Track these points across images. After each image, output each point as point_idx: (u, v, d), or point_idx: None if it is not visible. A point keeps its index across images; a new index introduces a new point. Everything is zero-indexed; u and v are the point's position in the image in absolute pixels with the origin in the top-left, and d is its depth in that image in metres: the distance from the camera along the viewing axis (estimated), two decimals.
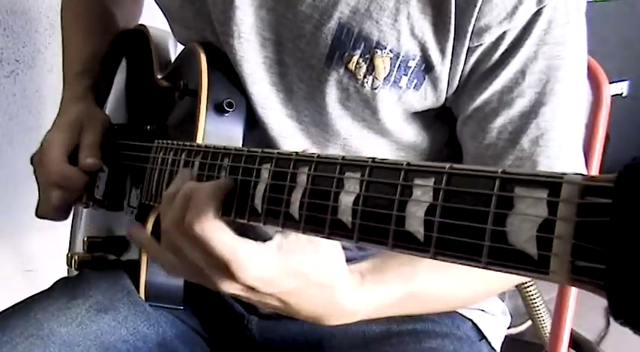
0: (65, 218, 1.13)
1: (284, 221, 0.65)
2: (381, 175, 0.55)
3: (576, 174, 0.41)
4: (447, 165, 0.49)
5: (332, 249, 0.74)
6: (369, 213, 0.55)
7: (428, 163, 0.51)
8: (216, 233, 0.67)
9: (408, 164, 0.53)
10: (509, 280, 1.00)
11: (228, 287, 0.71)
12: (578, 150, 0.95)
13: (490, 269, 0.45)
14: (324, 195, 0.59)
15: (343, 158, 0.59)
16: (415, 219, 0.50)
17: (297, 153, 0.65)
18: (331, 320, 0.80)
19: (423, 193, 0.50)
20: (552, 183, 0.42)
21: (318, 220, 0.60)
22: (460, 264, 0.47)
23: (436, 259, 0.49)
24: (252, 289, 0.71)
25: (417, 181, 0.51)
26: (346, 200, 0.57)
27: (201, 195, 0.69)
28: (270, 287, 0.71)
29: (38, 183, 1.11)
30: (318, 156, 0.62)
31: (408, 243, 0.51)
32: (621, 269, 0.37)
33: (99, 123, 1.11)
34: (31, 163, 1.11)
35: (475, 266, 0.46)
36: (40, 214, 1.12)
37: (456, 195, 0.48)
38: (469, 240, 0.46)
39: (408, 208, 0.51)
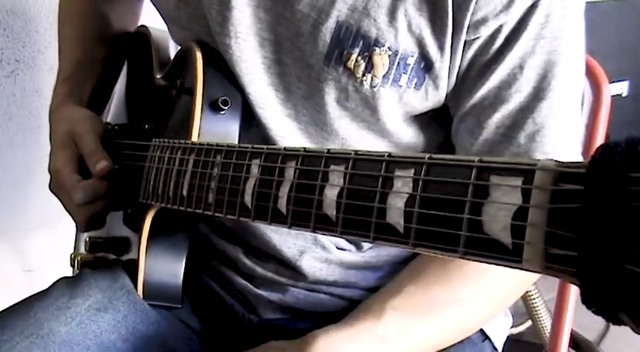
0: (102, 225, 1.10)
1: (272, 217, 0.65)
2: (364, 167, 0.55)
3: (550, 160, 0.40)
4: (427, 156, 0.49)
5: None
6: (352, 206, 0.55)
7: (408, 154, 0.51)
8: None
9: (390, 155, 0.53)
10: (525, 285, 1.00)
11: None
12: (576, 146, 0.94)
13: (467, 258, 0.45)
14: (310, 189, 0.59)
15: (328, 151, 0.59)
16: (395, 211, 0.50)
17: (285, 148, 0.65)
18: None
19: (403, 184, 0.50)
20: (526, 171, 0.41)
21: (305, 215, 0.60)
22: (438, 254, 0.47)
23: (415, 250, 0.48)
24: None
25: (398, 172, 0.51)
26: (331, 193, 0.57)
27: None
28: None
29: (66, 208, 1.08)
30: (305, 149, 0.62)
31: (388, 236, 0.51)
32: (592, 256, 0.36)
33: (88, 123, 1.09)
34: (52, 191, 1.09)
35: (453, 256, 0.46)
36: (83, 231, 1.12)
37: (435, 185, 0.48)
38: (447, 230, 0.46)
39: (389, 200, 0.51)
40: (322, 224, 0.58)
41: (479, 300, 0.93)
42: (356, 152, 0.56)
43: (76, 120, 1.10)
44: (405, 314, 0.89)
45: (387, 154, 0.53)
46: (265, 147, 0.68)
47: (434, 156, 0.49)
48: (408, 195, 0.49)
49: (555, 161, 0.40)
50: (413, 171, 0.50)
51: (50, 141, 1.12)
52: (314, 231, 0.59)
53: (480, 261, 0.44)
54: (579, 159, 0.95)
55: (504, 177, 0.42)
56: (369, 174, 0.54)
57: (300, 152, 0.62)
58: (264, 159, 0.67)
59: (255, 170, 0.68)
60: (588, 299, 0.37)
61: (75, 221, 1.07)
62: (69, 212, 1.07)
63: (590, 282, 0.36)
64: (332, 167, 0.58)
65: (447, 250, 0.46)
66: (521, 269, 0.41)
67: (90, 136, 1.05)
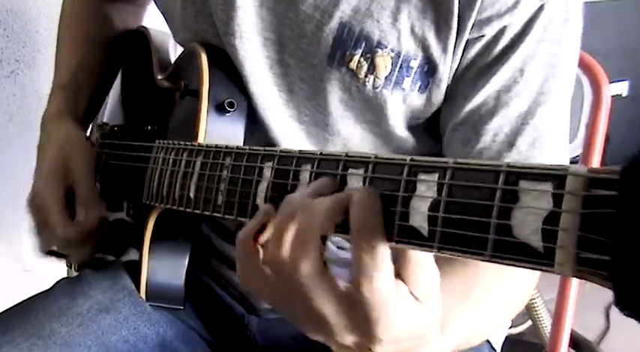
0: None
1: None
2: (385, 171, 0.55)
3: (581, 166, 0.41)
4: (451, 160, 0.50)
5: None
6: None
7: (432, 158, 0.51)
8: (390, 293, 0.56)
9: (412, 159, 0.53)
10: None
11: (347, 340, 0.61)
12: (567, 152, 0.94)
13: (493, 262, 0.45)
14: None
15: (346, 154, 0.59)
16: (419, 214, 0.50)
17: (300, 150, 0.65)
18: None
19: (427, 188, 0.50)
20: (557, 176, 0.42)
21: None
22: (464, 257, 0.47)
23: (440, 254, 0.49)
24: (368, 346, 0.61)
25: (421, 176, 0.51)
26: None
27: (377, 238, 0.55)
28: (393, 346, 0.61)
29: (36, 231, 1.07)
30: (321, 153, 0.62)
31: (411, 239, 0.51)
32: (627, 260, 0.37)
33: (83, 155, 1.08)
34: (28, 206, 1.08)
35: (479, 260, 0.46)
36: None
37: (460, 190, 0.48)
38: (473, 233, 0.46)
39: (412, 204, 0.51)
40: (342, 227, 0.58)
41: (510, 289, 0.89)
42: (376, 156, 0.56)
43: (70, 146, 1.08)
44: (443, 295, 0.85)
45: (409, 158, 0.53)
46: (278, 150, 0.68)
47: (459, 160, 0.49)
48: (432, 198, 0.50)
49: (586, 167, 0.41)
50: (437, 175, 0.50)
51: (38, 148, 1.11)
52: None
53: (508, 264, 0.44)
54: (568, 162, 0.95)
55: (534, 182, 0.43)
56: (391, 177, 0.54)
57: (317, 155, 0.62)
58: (278, 162, 0.67)
59: (267, 173, 0.67)
60: (622, 302, 0.37)
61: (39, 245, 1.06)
62: (38, 236, 1.06)
63: (626, 286, 0.37)
64: (350, 170, 0.58)
65: (473, 253, 0.46)
66: (552, 272, 0.41)
67: (86, 179, 1.05)
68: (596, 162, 1.25)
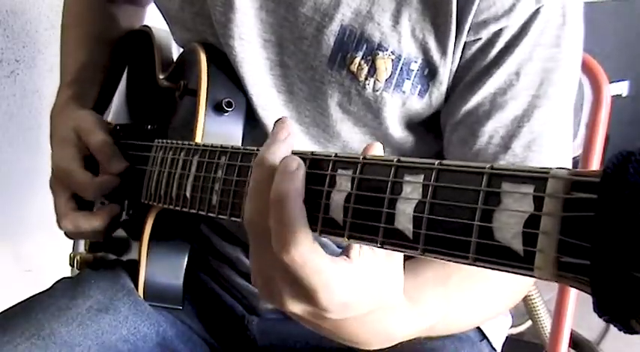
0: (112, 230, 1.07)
1: None
2: (372, 172, 0.55)
3: (562, 168, 0.40)
4: (437, 162, 0.49)
5: (399, 265, 0.65)
6: (359, 210, 0.55)
7: (418, 159, 0.51)
8: (311, 260, 0.58)
9: (399, 160, 0.53)
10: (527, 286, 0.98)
11: (297, 309, 0.62)
12: (569, 155, 0.94)
13: (477, 265, 0.45)
14: (317, 193, 0.59)
15: (336, 155, 0.59)
16: (404, 216, 0.50)
17: (292, 151, 0.65)
18: (373, 345, 0.72)
19: (412, 190, 0.50)
20: (538, 178, 0.41)
21: (310, 218, 0.59)
22: (448, 260, 0.47)
23: (424, 256, 0.49)
24: (321, 314, 0.62)
25: (407, 178, 0.51)
26: (338, 198, 0.57)
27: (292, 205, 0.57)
28: (346, 312, 0.62)
29: (57, 210, 1.06)
30: (312, 153, 0.62)
31: (397, 240, 0.51)
32: (606, 265, 0.36)
33: (93, 119, 1.08)
34: (51, 189, 1.08)
35: (463, 263, 0.46)
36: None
37: (445, 192, 0.48)
38: (457, 236, 0.46)
39: (398, 205, 0.51)
40: (329, 228, 0.58)
41: (503, 280, 0.87)
42: (364, 156, 0.56)
43: (80, 118, 1.08)
44: (417, 280, 0.80)
45: (396, 159, 0.53)
46: None
47: (444, 162, 0.49)
48: (417, 200, 0.49)
49: (568, 169, 0.40)
50: (422, 176, 0.50)
51: (51, 141, 1.11)
52: (320, 235, 0.59)
53: (491, 268, 0.44)
54: (569, 165, 0.95)
55: (516, 184, 0.42)
56: (377, 178, 0.54)
57: (308, 155, 0.62)
58: None
59: None
60: (601, 308, 0.37)
61: (61, 224, 1.04)
62: (59, 214, 1.05)
63: (603, 291, 0.36)
64: (339, 171, 0.58)
65: (457, 256, 0.46)
66: (532, 276, 0.41)
67: (98, 131, 1.04)
68: (596, 162, 1.25)
